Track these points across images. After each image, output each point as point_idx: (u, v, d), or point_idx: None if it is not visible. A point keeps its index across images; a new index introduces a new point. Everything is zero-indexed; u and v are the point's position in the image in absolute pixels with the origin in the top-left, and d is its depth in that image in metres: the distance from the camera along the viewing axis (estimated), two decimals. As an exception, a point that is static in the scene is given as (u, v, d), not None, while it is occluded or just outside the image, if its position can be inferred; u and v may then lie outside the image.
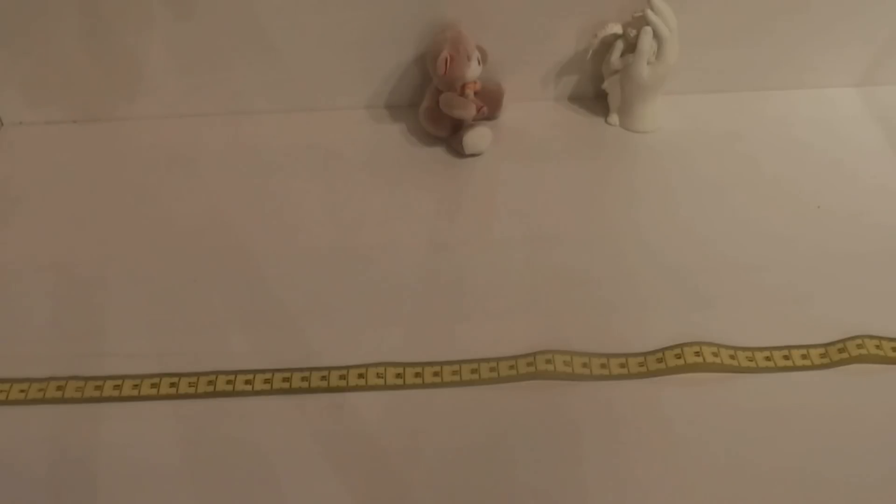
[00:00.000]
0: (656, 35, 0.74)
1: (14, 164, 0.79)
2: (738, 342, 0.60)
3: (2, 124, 0.83)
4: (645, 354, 0.60)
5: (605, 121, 0.82)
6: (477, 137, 0.76)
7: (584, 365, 0.59)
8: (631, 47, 0.76)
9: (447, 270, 0.67)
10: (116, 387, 0.58)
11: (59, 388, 0.58)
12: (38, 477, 0.54)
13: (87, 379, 0.59)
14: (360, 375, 0.59)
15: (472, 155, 0.77)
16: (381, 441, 0.56)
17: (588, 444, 0.55)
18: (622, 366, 0.59)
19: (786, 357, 0.59)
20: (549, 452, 0.54)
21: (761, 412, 0.56)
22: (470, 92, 0.75)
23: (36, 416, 0.57)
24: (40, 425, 0.57)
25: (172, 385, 0.59)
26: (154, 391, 0.58)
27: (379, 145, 0.80)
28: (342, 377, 0.59)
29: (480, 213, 0.73)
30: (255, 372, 0.59)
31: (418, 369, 0.59)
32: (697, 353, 0.59)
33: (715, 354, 0.59)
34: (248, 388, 0.58)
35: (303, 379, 0.59)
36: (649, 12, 0.73)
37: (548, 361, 0.59)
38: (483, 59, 0.76)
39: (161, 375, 0.59)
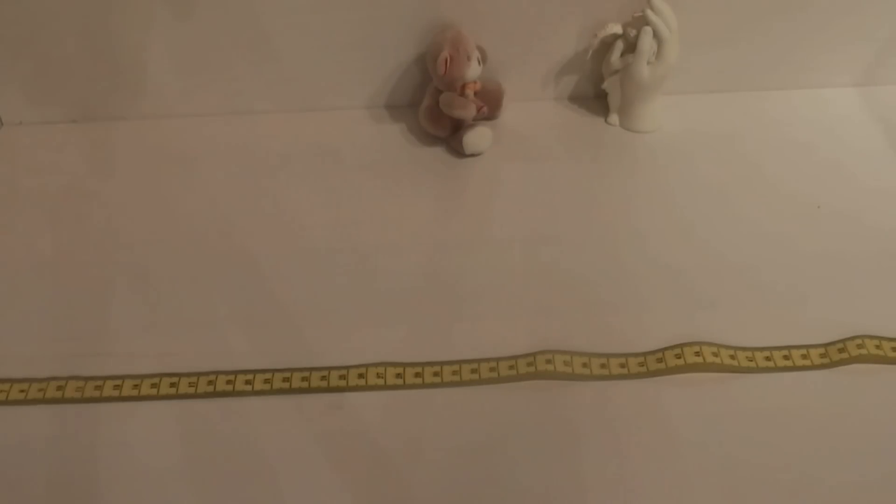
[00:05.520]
0: (656, 35, 0.74)
1: (14, 164, 0.79)
2: (737, 342, 0.60)
3: (2, 124, 0.83)
4: (645, 354, 0.60)
5: (605, 121, 0.82)
6: (477, 137, 0.76)
7: (584, 365, 0.59)
8: (631, 47, 0.76)
9: (447, 270, 0.67)
10: (116, 387, 0.58)
11: (59, 388, 0.58)
12: (38, 477, 0.54)
13: (87, 379, 0.59)
14: (360, 375, 0.59)
15: (472, 155, 0.77)
16: (381, 441, 0.56)
17: (588, 444, 0.55)
18: (622, 366, 0.59)
19: (786, 357, 0.59)
20: (549, 452, 0.54)
21: (761, 412, 0.56)
22: (470, 92, 0.75)
23: (36, 416, 0.57)
24: (40, 425, 0.57)
25: (172, 385, 0.59)
26: (154, 391, 0.58)
27: (379, 145, 0.80)
28: (342, 377, 0.59)
29: (480, 213, 0.73)
30: (255, 372, 0.59)
31: (418, 369, 0.59)
32: (697, 353, 0.59)
33: (715, 354, 0.59)
34: (248, 388, 0.58)
35: (303, 379, 0.59)
36: (649, 12, 0.73)
37: (548, 361, 0.59)
38: (483, 59, 0.76)
39: (161, 375, 0.59)
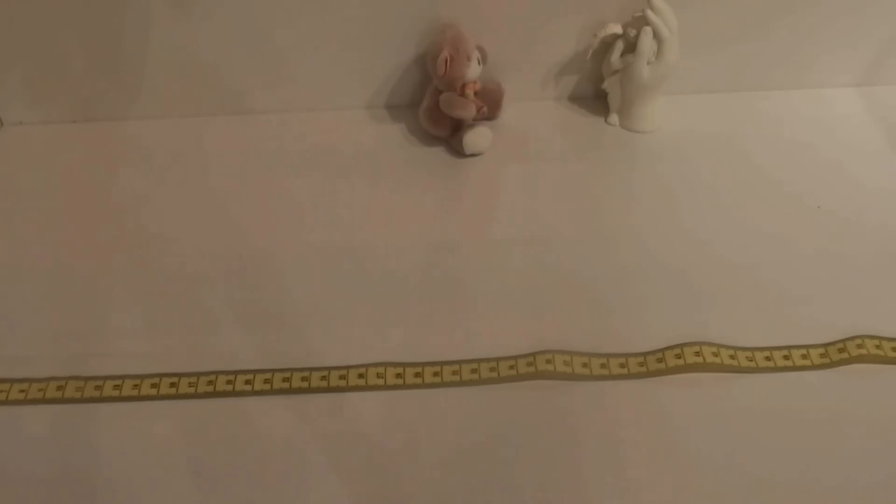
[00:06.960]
0: (656, 35, 0.74)
1: (14, 164, 0.79)
2: (738, 342, 0.60)
3: (2, 124, 0.83)
4: (645, 354, 0.60)
5: (605, 121, 0.82)
6: (477, 137, 0.76)
7: (584, 365, 0.59)
8: (631, 47, 0.76)
9: (447, 270, 0.67)
10: (116, 387, 0.59)
11: (59, 388, 0.58)
12: (38, 477, 0.54)
13: (87, 379, 0.59)
14: (360, 375, 0.59)
15: (472, 155, 0.77)
16: (381, 441, 0.56)
17: (588, 444, 0.55)
18: (622, 366, 0.59)
19: (786, 357, 0.59)
20: (549, 452, 0.54)
21: (761, 412, 0.56)
22: (470, 92, 0.75)
23: (36, 416, 0.57)
24: (40, 425, 0.57)
25: (172, 385, 0.59)
26: (154, 391, 0.58)
27: (379, 145, 0.80)
28: (342, 377, 0.59)
29: (480, 213, 0.73)
30: (255, 372, 0.59)
31: (418, 369, 0.59)
32: (697, 353, 0.59)
33: (715, 354, 0.59)
34: (248, 388, 0.58)
35: (303, 379, 0.59)
36: (649, 12, 0.73)
37: (548, 361, 0.59)
38: (483, 59, 0.76)
39: (161, 375, 0.59)
